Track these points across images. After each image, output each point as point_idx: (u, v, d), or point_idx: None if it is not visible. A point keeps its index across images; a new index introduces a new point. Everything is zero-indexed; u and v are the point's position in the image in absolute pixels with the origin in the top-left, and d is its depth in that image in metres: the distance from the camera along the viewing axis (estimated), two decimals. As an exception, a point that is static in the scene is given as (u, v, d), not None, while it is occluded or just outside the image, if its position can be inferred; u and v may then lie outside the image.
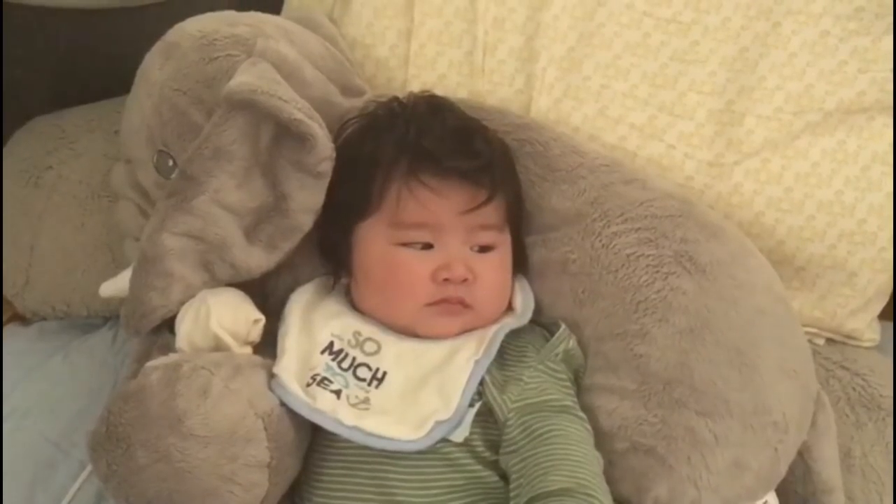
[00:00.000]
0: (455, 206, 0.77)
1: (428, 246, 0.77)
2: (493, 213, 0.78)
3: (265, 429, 0.68)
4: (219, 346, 0.73)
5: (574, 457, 0.68)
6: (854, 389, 0.91)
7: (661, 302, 0.76)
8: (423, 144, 0.77)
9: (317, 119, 0.76)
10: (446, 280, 0.76)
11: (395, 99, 0.85)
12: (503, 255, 0.81)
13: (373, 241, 0.78)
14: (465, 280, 0.76)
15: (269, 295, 0.82)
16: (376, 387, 0.74)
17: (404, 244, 0.77)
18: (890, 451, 0.86)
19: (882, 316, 0.98)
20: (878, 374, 0.92)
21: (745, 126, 0.93)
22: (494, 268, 0.79)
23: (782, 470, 0.75)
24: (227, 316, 0.74)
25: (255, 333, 0.76)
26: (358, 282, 0.81)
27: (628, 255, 0.79)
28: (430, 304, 0.77)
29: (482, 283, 0.77)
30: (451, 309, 0.77)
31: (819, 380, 0.83)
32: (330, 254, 0.83)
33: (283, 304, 0.80)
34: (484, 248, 0.79)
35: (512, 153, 0.85)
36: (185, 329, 0.74)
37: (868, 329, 0.96)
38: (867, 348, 0.97)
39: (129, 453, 0.64)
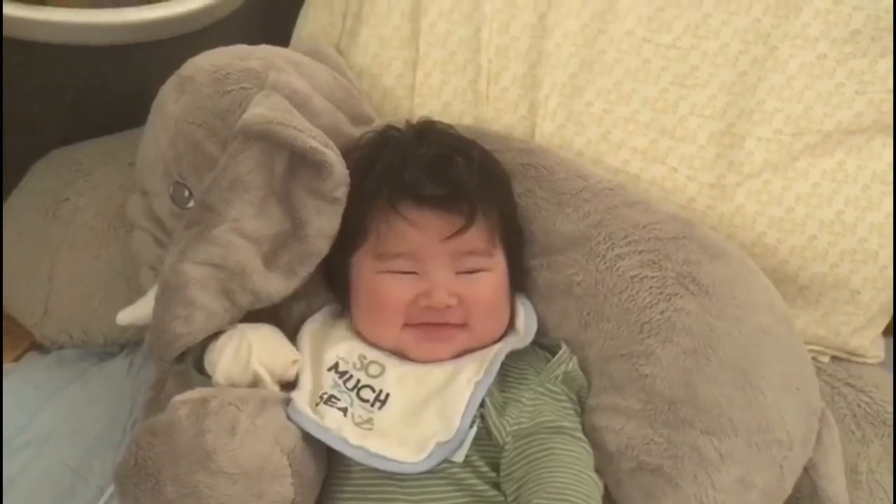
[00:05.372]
0: (434, 235, 0.77)
1: (412, 274, 0.78)
2: (476, 237, 0.79)
3: (290, 465, 0.69)
4: (256, 383, 0.74)
5: (562, 479, 0.68)
6: (860, 406, 0.91)
7: (665, 323, 0.77)
8: (403, 175, 0.78)
9: (331, 146, 0.77)
10: (428, 307, 0.77)
11: (390, 127, 0.86)
12: (495, 276, 0.81)
13: (362, 270, 0.80)
14: (448, 307, 0.77)
15: (282, 322, 0.82)
16: (379, 408, 0.75)
17: (388, 272, 0.78)
18: (898, 467, 0.86)
19: (884, 332, 0.98)
20: (884, 391, 0.92)
21: (746, 148, 0.93)
22: (486, 287, 0.79)
23: (788, 487, 0.76)
24: (266, 354, 0.74)
25: (291, 373, 0.76)
26: (352, 309, 0.82)
27: (632, 277, 0.80)
28: (410, 326, 0.78)
29: (475, 301, 0.78)
30: (438, 334, 0.78)
31: (825, 397, 0.83)
32: (332, 283, 0.84)
33: (297, 331, 0.82)
34: (473, 271, 0.79)
35: (505, 174, 0.86)
36: (225, 365, 0.74)
37: (872, 346, 0.97)
38: (872, 365, 0.97)
39: (158, 488, 0.65)
